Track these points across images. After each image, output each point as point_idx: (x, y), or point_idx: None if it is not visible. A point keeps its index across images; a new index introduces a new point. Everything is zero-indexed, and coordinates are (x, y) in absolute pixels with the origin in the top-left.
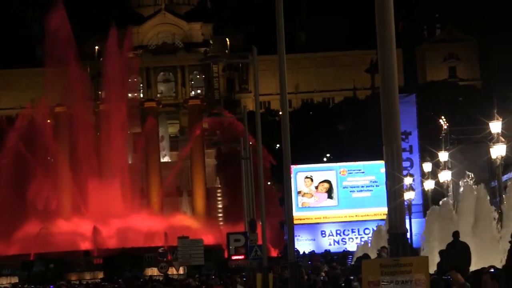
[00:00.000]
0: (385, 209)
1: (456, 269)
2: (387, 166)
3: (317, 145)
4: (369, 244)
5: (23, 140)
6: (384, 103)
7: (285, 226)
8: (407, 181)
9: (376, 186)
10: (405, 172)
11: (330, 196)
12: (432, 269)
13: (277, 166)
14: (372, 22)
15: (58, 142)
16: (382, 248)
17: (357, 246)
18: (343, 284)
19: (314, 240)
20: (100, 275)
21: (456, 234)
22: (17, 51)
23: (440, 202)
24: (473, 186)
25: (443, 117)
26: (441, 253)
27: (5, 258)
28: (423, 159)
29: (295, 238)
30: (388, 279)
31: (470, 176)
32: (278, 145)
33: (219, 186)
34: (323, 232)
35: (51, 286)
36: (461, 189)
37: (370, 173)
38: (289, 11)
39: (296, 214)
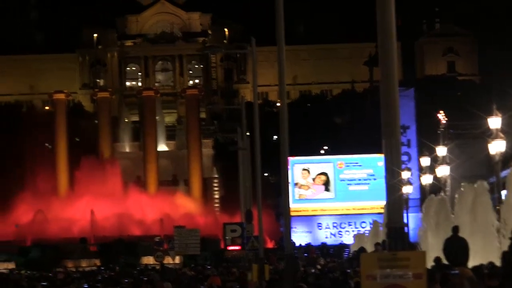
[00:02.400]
0: (382, 203)
1: (454, 264)
2: (386, 160)
3: (315, 137)
4: (366, 238)
5: (23, 126)
6: (383, 97)
7: (282, 218)
8: (405, 175)
9: (374, 179)
10: (403, 166)
11: (327, 189)
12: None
13: (275, 158)
14: (371, 15)
15: (56, 129)
16: (377, 245)
17: (354, 237)
18: (340, 278)
19: (310, 232)
20: (97, 262)
21: (455, 229)
22: (16, 37)
23: (436, 197)
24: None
25: (441, 111)
26: (436, 260)
27: (1, 243)
28: (421, 154)
29: (291, 230)
30: (385, 273)
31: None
32: (275, 137)
33: (216, 176)
34: (319, 225)
35: (48, 273)
36: (462, 184)
37: (368, 166)
38: (288, 2)
39: (292, 206)
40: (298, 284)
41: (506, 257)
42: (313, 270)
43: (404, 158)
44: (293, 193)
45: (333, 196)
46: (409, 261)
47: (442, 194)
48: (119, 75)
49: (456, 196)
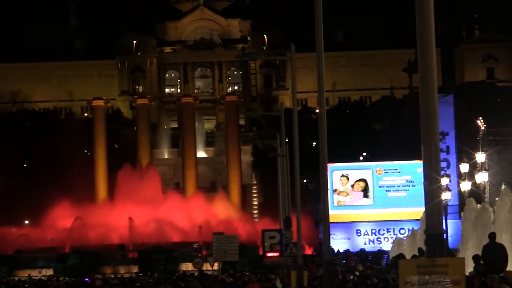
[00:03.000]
0: (421, 209)
1: (493, 271)
2: (424, 166)
3: (354, 143)
4: (404, 245)
5: (62, 133)
6: (423, 103)
7: (320, 224)
8: (444, 181)
9: (412, 186)
10: (441, 173)
11: (365, 195)
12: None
13: (313, 164)
14: (411, 21)
15: (95, 135)
16: (413, 257)
17: (392, 244)
18: (379, 284)
19: (349, 238)
20: (135, 269)
21: (492, 236)
22: (55, 44)
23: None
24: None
25: (480, 118)
26: (475, 257)
27: (40, 250)
28: (460, 160)
29: (330, 237)
30: (424, 279)
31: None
32: (314, 143)
33: (255, 182)
34: (358, 231)
35: (86, 279)
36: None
37: (407, 172)
38: (328, 9)
39: (331, 212)
40: None
41: None
42: (351, 277)
43: (443, 164)
44: (332, 200)
45: (371, 202)
46: (448, 268)
47: (484, 204)
48: (158, 82)
49: (497, 199)
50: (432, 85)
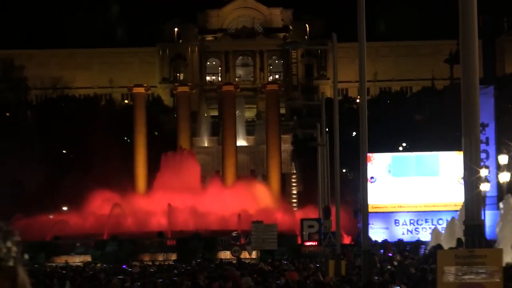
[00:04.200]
0: (459, 200)
1: None
2: (465, 157)
3: (394, 134)
4: (442, 235)
5: (102, 119)
6: (464, 95)
7: (359, 214)
8: (483, 172)
9: None
10: (481, 164)
11: None
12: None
13: (353, 154)
14: (453, 12)
15: (135, 122)
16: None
17: (431, 234)
18: (418, 274)
19: (387, 228)
20: (173, 256)
21: None
22: (97, 31)
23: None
24: None
25: None
26: None
27: (78, 236)
28: (499, 151)
29: (369, 226)
30: (462, 269)
31: None
32: (354, 133)
33: (295, 172)
34: (396, 221)
35: (124, 266)
36: None
37: None
38: None
39: (370, 202)
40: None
41: None
42: (389, 267)
43: (483, 155)
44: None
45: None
46: (486, 258)
47: None
48: (199, 70)
49: None
50: (474, 76)
